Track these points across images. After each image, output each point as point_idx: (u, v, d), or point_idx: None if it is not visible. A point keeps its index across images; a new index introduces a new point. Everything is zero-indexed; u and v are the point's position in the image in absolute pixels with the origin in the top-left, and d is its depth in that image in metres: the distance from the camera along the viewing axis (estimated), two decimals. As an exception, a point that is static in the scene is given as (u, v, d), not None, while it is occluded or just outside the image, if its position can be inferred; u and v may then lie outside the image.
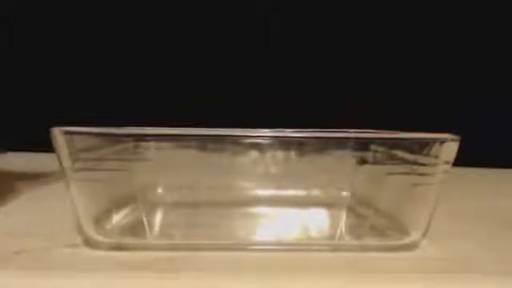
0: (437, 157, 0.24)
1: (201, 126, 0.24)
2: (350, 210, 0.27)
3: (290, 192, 0.28)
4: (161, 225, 0.26)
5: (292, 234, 0.26)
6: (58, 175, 0.24)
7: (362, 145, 0.25)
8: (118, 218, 0.26)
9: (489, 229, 0.30)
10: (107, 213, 0.25)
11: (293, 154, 0.26)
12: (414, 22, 0.55)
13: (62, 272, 0.21)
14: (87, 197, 0.24)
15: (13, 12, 0.56)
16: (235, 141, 0.25)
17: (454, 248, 0.26)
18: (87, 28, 0.56)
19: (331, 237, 0.26)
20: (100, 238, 0.23)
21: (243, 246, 0.24)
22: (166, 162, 0.26)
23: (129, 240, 0.24)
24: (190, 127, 0.24)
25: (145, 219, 0.25)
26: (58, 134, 0.23)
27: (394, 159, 0.25)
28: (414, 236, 0.25)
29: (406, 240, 0.25)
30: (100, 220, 0.24)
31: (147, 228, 0.25)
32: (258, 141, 0.25)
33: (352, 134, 0.26)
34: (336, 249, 0.24)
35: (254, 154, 0.26)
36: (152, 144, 0.25)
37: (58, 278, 0.20)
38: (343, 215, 0.27)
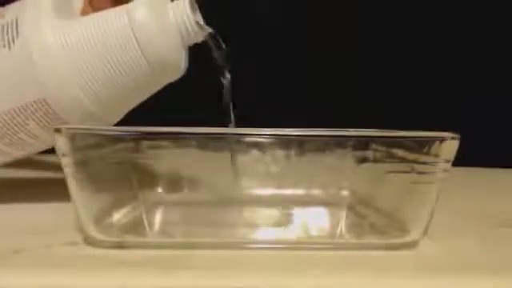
0: (437, 155, 0.24)
1: (201, 125, 0.24)
2: (350, 208, 0.27)
3: (290, 191, 0.28)
4: (161, 223, 0.26)
5: (292, 232, 0.26)
6: (59, 174, 0.24)
7: (362, 144, 0.25)
8: (118, 216, 0.26)
9: (489, 228, 0.30)
10: (107, 211, 0.25)
11: (293, 152, 0.26)
12: (414, 21, 0.55)
13: (62, 270, 0.21)
14: (87, 195, 0.24)
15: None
16: (235, 139, 0.25)
17: (454, 247, 0.26)
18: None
19: (331, 235, 0.26)
20: (100, 237, 0.24)
21: (243, 245, 0.24)
22: (166, 161, 0.26)
23: (129, 238, 0.24)
24: (191, 126, 0.24)
25: (145, 217, 0.25)
26: (58, 133, 0.23)
27: (394, 158, 0.25)
28: (414, 235, 0.25)
29: (406, 238, 0.25)
30: (100, 218, 0.24)
31: (147, 226, 0.25)
32: (259, 140, 0.25)
33: (352, 132, 0.26)
34: (336, 247, 0.24)
35: (254, 152, 0.26)
36: (152, 142, 0.25)
37: (58, 277, 0.20)
38: (343, 214, 0.28)
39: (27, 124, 0.28)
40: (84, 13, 0.30)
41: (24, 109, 0.27)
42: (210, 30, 0.29)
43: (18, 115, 0.28)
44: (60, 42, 0.27)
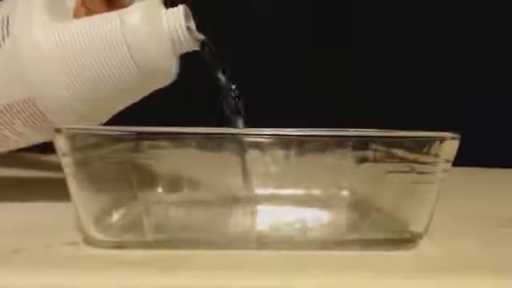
0: (437, 155, 0.24)
1: (201, 125, 0.24)
2: (350, 208, 0.27)
3: (290, 191, 0.28)
4: (161, 223, 0.26)
5: (292, 232, 0.26)
6: (59, 174, 0.24)
7: (362, 143, 0.25)
8: (118, 216, 0.26)
9: (489, 228, 0.30)
10: (107, 211, 0.25)
11: (293, 152, 0.26)
12: (414, 22, 0.55)
13: (62, 270, 0.21)
14: (87, 195, 0.24)
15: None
16: (235, 139, 0.25)
17: (453, 246, 0.26)
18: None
19: (331, 235, 0.26)
20: (100, 236, 0.24)
21: (243, 245, 0.24)
22: (166, 161, 0.26)
23: (129, 238, 0.24)
24: (191, 126, 0.24)
25: (145, 217, 0.25)
26: (57, 133, 0.23)
27: (394, 158, 0.25)
28: (414, 234, 0.25)
29: (406, 238, 0.25)
30: (100, 218, 0.24)
31: (147, 226, 0.25)
32: (258, 140, 0.25)
33: (352, 132, 0.26)
34: (336, 247, 0.24)
35: (253, 152, 0.26)
36: (152, 142, 0.25)
37: (58, 277, 0.20)
38: (343, 214, 0.28)
39: (13, 123, 0.28)
40: (77, 13, 0.30)
41: (10, 107, 0.27)
42: (202, 37, 0.29)
43: (5, 114, 0.28)
44: (50, 40, 0.27)
